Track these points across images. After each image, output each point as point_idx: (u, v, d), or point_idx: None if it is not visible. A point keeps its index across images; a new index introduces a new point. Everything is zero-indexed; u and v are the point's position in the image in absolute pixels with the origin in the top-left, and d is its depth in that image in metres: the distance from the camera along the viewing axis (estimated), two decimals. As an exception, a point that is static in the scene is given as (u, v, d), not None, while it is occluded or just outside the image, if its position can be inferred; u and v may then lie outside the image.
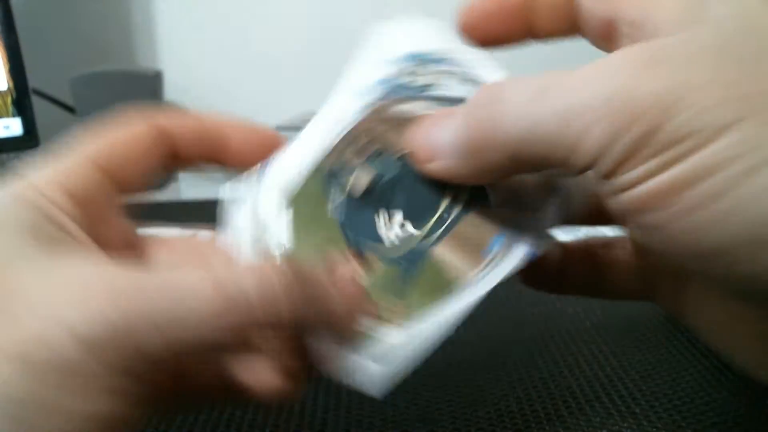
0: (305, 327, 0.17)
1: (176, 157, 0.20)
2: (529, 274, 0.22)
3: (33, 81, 0.65)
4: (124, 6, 0.83)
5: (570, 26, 0.20)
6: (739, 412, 0.27)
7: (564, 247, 0.23)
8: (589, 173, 0.15)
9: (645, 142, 0.13)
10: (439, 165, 0.18)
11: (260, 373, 0.17)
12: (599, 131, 0.14)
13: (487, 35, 0.20)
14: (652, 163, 0.13)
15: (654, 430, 0.26)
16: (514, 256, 0.19)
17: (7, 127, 0.64)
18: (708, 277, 0.15)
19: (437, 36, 0.22)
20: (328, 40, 0.83)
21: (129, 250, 0.19)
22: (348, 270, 0.19)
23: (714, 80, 0.13)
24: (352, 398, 0.28)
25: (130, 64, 0.82)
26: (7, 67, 0.63)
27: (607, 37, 0.19)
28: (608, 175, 0.14)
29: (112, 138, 0.20)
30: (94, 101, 0.70)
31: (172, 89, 0.82)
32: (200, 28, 0.83)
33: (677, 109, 0.13)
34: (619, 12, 0.18)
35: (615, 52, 0.15)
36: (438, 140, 0.18)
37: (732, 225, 0.13)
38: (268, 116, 0.72)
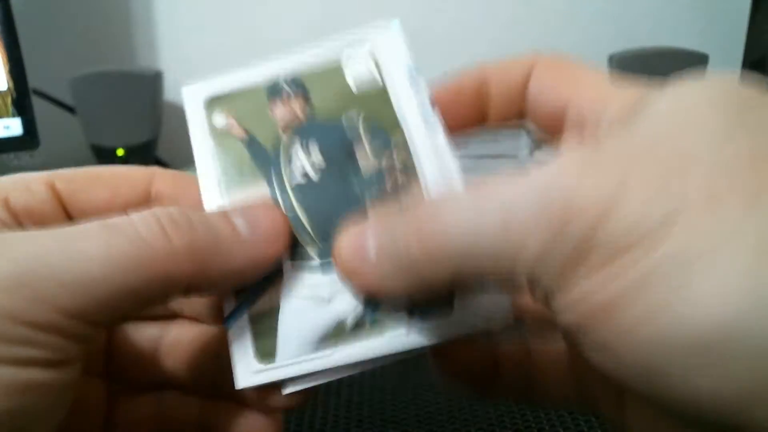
0: (205, 277, 0.16)
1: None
2: (450, 366, 0.19)
3: (33, 81, 0.65)
4: (124, 6, 0.83)
5: (519, 113, 0.20)
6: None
7: (496, 343, 0.21)
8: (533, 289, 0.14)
9: (582, 251, 0.12)
10: (368, 281, 0.16)
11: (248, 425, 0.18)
12: (537, 235, 0.13)
13: (446, 121, 0.20)
14: (592, 280, 0.12)
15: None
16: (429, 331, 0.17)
17: (7, 127, 0.64)
18: (652, 399, 0.13)
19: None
20: (328, 40, 0.83)
21: None
22: (265, 210, 0.18)
23: (648, 176, 0.12)
24: (352, 398, 0.28)
25: (130, 64, 0.82)
26: (7, 67, 0.63)
27: (553, 126, 0.19)
28: (552, 289, 0.13)
29: (84, 172, 0.19)
30: (94, 101, 0.70)
31: (172, 89, 0.82)
32: (200, 28, 0.83)
33: (611, 211, 0.12)
34: (570, 105, 0.18)
35: (555, 158, 0.14)
36: (368, 251, 0.16)
37: (668, 343, 0.12)
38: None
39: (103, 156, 0.73)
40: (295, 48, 0.21)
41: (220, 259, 0.16)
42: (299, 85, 0.21)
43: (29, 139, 0.65)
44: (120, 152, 0.72)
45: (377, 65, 0.21)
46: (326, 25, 0.83)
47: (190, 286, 0.16)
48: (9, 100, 0.63)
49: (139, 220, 0.15)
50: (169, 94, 0.82)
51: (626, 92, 0.17)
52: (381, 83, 0.20)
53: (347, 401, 0.28)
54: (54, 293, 0.13)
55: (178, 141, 0.86)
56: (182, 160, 0.82)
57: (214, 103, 0.21)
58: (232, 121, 0.20)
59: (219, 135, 0.20)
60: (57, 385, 0.14)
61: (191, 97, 0.21)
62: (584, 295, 0.13)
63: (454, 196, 0.15)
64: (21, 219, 0.17)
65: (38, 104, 0.67)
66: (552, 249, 0.13)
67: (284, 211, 0.19)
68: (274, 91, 0.21)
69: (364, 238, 0.16)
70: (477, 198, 0.14)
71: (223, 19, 0.83)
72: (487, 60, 0.20)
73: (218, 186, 0.19)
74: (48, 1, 0.81)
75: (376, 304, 0.18)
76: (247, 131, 0.20)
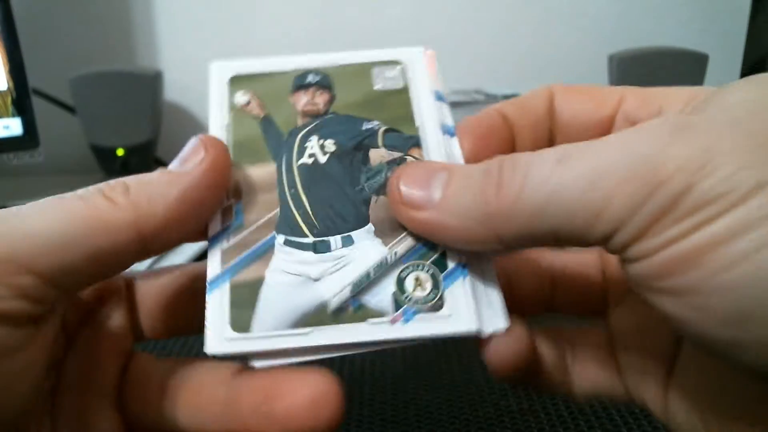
0: (150, 222, 0.17)
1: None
2: (500, 361, 0.19)
3: (33, 81, 0.65)
4: (124, 6, 0.83)
5: (548, 144, 0.21)
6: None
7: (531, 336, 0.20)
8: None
9: (672, 206, 0.13)
10: (431, 216, 0.17)
11: None
12: (624, 195, 0.14)
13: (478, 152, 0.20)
14: (681, 226, 0.13)
15: (654, 430, 0.26)
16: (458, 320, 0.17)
17: (7, 127, 0.64)
18: (736, 348, 0.13)
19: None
20: (328, 40, 0.83)
21: None
22: (195, 141, 0.18)
23: (739, 146, 0.13)
24: (353, 398, 0.28)
25: (130, 64, 0.82)
26: (7, 67, 0.63)
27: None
28: (632, 240, 0.14)
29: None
30: (94, 101, 0.70)
31: (172, 89, 0.82)
32: (200, 28, 0.83)
33: (704, 173, 0.13)
34: (616, 116, 0.19)
35: (638, 127, 0.15)
36: (437, 191, 0.17)
37: (763, 282, 0.12)
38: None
39: (103, 156, 0.73)
40: (327, 52, 0.22)
41: (162, 200, 0.17)
42: (327, 81, 0.22)
43: (29, 139, 0.65)
44: (120, 152, 0.72)
45: (406, 81, 0.22)
46: (326, 26, 0.83)
47: (143, 236, 0.17)
48: (9, 100, 0.63)
49: (82, 191, 0.17)
50: (169, 94, 0.82)
51: (678, 92, 0.18)
52: (407, 98, 0.21)
53: (347, 401, 0.28)
54: (3, 247, 0.15)
55: (178, 141, 0.85)
56: (182, 160, 0.82)
57: (238, 81, 0.22)
58: (253, 101, 0.21)
59: (237, 111, 0.21)
60: (9, 341, 0.15)
61: (217, 72, 0.23)
62: (672, 241, 0.13)
63: (539, 155, 0.15)
64: None
65: (38, 104, 0.67)
66: (640, 207, 0.14)
67: (286, 188, 0.19)
68: (301, 80, 0.22)
69: (433, 174, 0.17)
70: (562, 158, 0.15)
71: (223, 19, 0.83)
72: (499, 103, 0.21)
73: None
74: (48, 1, 0.81)
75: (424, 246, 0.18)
76: (265, 111, 0.21)
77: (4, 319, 0.14)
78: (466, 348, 0.32)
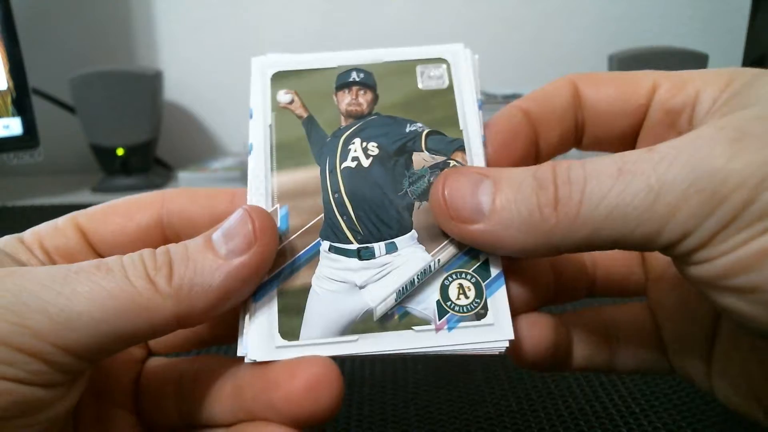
0: (191, 308, 0.16)
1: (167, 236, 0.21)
2: (520, 355, 0.20)
3: (33, 81, 0.65)
4: (124, 6, 0.83)
5: (575, 137, 0.21)
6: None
7: (562, 319, 0.21)
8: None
9: (736, 216, 0.14)
10: (483, 229, 0.17)
11: None
12: (691, 208, 0.14)
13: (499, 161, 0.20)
14: (746, 233, 0.14)
15: (654, 430, 0.26)
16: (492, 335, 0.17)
17: (7, 127, 0.64)
18: None
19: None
20: (328, 40, 0.83)
21: None
22: (242, 218, 0.17)
23: None
24: (353, 398, 0.28)
25: (130, 64, 0.82)
26: (7, 67, 0.63)
27: (623, 136, 0.20)
28: (697, 248, 0.15)
29: (103, 207, 0.21)
30: (94, 101, 0.70)
31: (172, 89, 0.82)
32: (200, 28, 0.83)
33: (765, 186, 0.14)
34: (656, 102, 0.19)
35: (694, 130, 0.15)
36: (486, 203, 0.17)
37: None
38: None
39: (103, 155, 0.73)
40: (370, 49, 0.22)
41: (199, 287, 0.16)
42: (371, 80, 0.21)
43: (29, 139, 0.65)
44: (120, 152, 0.72)
45: (450, 81, 0.21)
46: (327, 25, 0.83)
47: (180, 321, 0.16)
48: (9, 100, 0.63)
49: (128, 261, 0.16)
50: (169, 94, 0.82)
51: (715, 76, 0.18)
52: (452, 99, 0.21)
53: (347, 401, 0.28)
54: (40, 323, 0.15)
55: (178, 141, 0.86)
56: (182, 159, 0.82)
57: (281, 78, 0.21)
58: (296, 100, 0.21)
59: (280, 111, 0.21)
60: (38, 401, 0.15)
61: (259, 68, 0.22)
62: (737, 246, 0.14)
63: (595, 167, 0.16)
64: (53, 258, 0.19)
65: (38, 104, 0.67)
66: (706, 219, 0.14)
67: (330, 193, 0.19)
68: (345, 78, 0.21)
69: (479, 183, 0.17)
70: (621, 171, 0.15)
71: (223, 19, 0.83)
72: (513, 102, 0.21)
73: (266, 162, 0.20)
74: (48, 1, 0.81)
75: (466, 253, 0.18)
76: (308, 111, 0.21)
77: (34, 385, 0.15)
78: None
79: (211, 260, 0.16)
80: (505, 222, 0.16)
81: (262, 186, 0.19)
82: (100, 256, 0.19)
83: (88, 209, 0.20)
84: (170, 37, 0.84)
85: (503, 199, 0.17)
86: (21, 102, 0.64)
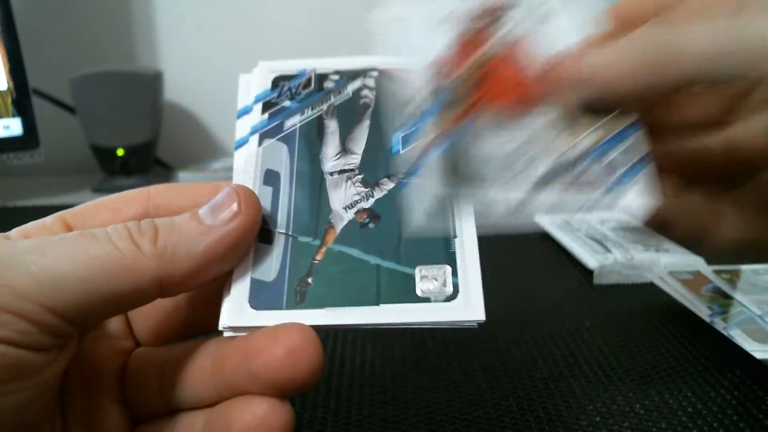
0: (174, 272, 0.17)
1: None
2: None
3: (33, 81, 0.65)
4: (124, 6, 0.83)
5: None
6: (739, 412, 0.27)
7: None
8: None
9: None
10: (601, 62, 0.19)
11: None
12: None
13: None
14: None
15: (654, 429, 0.26)
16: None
17: (7, 127, 0.64)
18: None
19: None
20: (328, 40, 0.83)
21: None
22: (228, 191, 0.18)
23: None
24: (353, 398, 0.28)
25: (130, 64, 0.82)
26: (7, 67, 0.63)
27: None
28: None
29: (91, 203, 0.21)
30: (94, 101, 0.70)
31: (172, 89, 0.82)
32: (200, 28, 0.83)
33: None
34: None
35: None
36: (602, 51, 0.19)
37: None
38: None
39: (103, 156, 0.73)
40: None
41: (184, 251, 0.17)
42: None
43: (29, 139, 0.65)
44: (120, 152, 0.72)
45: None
46: (327, 25, 0.83)
47: (164, 285, 0.17)
48: (9, 100, 0.63)
49: (112, 229, 0.17)
50: (169, 94, 0.82)
51: None
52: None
53: (347, 401, 0.28)
54: (24, 283, 0.15)
55: (178, 141, 0.86)
56: (182, 160, 0.82)
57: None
58: None
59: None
60: (27, 363, 0.15)
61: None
62: None
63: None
64: None
65: (38, 104, 0.67)
66: None
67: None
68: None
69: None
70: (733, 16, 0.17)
71: (223, 19, 0.83)
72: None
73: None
74: (48, 1, 0.81)
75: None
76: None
77: (23, 347, 0.15)
78: (466, 348, 0.33)
79: (195, 227, 0.17)
80: (614, 56, 0.19)
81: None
82: None
83: (76, 207, 0.21)
84: (170, 37, 0.84)
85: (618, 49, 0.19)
86: (21, 102, 0.64)
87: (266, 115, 0.22)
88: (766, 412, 0.27)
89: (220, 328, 0.18)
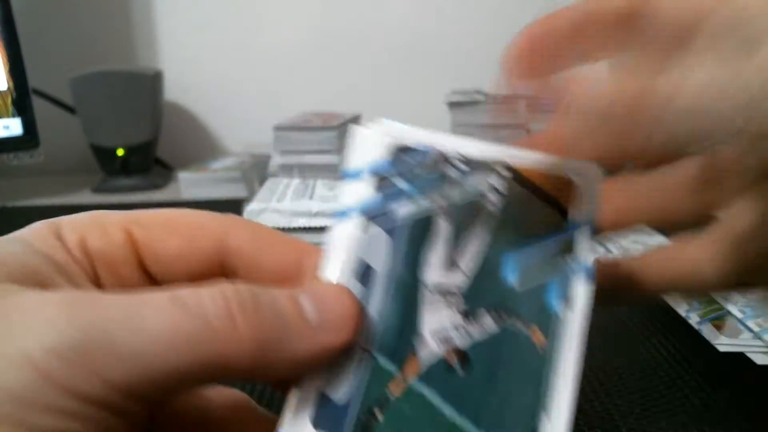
0: (267, 365, 0.15)
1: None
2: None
3: (33, 81, 0.65)
4: (124, 6, 0.83)
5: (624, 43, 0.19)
6: (740, 411, 0.27)
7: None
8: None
9: None
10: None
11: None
12: None
13: (538, 68, 0.19)
14: None
15: (654, 429, 0.26)
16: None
17: (7, 127, 0.64)
18: None
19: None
20: (328, 40, 0.83)
21: None
22: (336, 294, 0.16)
23: None
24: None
25: (130, 64, 0.82)
26: (7, 67, 0.63)
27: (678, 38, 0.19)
28: None
29: (160, 216, 0.19)
30: (94, 101, 0.70)
31: (172, 89, 0.82)
32: (200, 28, 0.83)
33: None
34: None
35: None
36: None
37: None
38: (267, 116, 0.72)
39: (103, 156, 0.73)
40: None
41: (284, 347, 0.15)
42: None
43: (29, 139, 0.65)
44: (120, 152, 0.72)
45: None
46: (326, 25, 0.83)
47: (249, 372, 0.15)
48: (9, 100, 0.63)
49: (208, 297, 0.14)
50: (169, 94, 0.82)
51: None
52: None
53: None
54: (110, 367, 0.13)
55: (178, 141, 0.86)
56: (182, 160, 0.82)
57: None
58: None
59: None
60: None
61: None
62: None
63: (688, 71, 0.15)
64: (95, 262, 0.17)
65: (38, 104, 0.67)
66: None
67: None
68: None
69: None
70: (718, 72, 0.14)
71: (223, 19, 0.83)
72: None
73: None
74: (48, 1, 0.81)
75: None
76: None
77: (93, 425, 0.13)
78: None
79: (301, 325, 0.15)
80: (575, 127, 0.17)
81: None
82: (150, 275, 0.18)
83: (142, 216, 0.18)
84: (170, 36, 0.84)
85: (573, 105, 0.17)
86: (21, 102, 0.64)
87: (379, 194, 0.18)
88: (705, 401, 0.27)
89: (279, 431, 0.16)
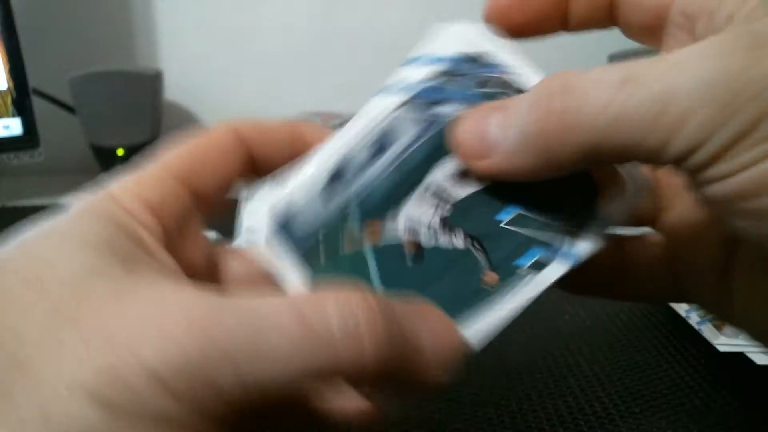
0: (391, 375, 0.14)
1: (254, 164, 0.20)
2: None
3: (33, 81, 0.65)
4: (124, 6, 0.83)
5: (606, 16, 0.19)
6: (740, 412, 0.27)
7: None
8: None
9: (752, 129, 0.13)
10: (494, 163, 0.16)
11: (345, 401, 0.16)
12: (701, 117, 0.13)
13: (517, 25, 0.19)
14: (762, 148, 0.13)
15: (654, 429, 0.26)
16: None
17: (7, 127, 0.64)
18: None
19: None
20: (328, 39, 0.83)
21: (205, 263, 0.18)
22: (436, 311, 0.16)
23: None
24: (352, 398, 0.28)
25: (130, 64, 0.82)
26: (7, 67, 0.63)
27: (651, 30, 0.18)
28: (709, 161, 0.14)
29: (190, 147, 0.19)
30: (94, 101, 0.70)
31: (172, 89, 0.82)
32: (200, 28, 0.83)
33: None
34: (676, 3, 0.17)
35: (708, 38, 0.14)
36: (494, 135, 0.16)
37: None
38: (267, 116, 0.71)
39: (103, 156, 0.73)
40: None
41: (405, 378, 0.14)
42: None
43: (29, 139, 0.65)
44: (120, 152, 0.72)
45: None
46: (326, 24, 0.83)
47: (367, 386, 0.15)
48: (9, 100, 0.63)
49: (336, 313, 0.13)
50: (169, 94, 0.82)
51: None
52: None
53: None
54: (232, 386, 0.12)
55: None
56: (182, 160, 0.82)
57: None
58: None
59: None
60: None
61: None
62: (752, 163, 0.13)
63: (599, 78, 0.15)
64: (161, 217, 0.16)
65: (38, 104, 0.67)
66: (718, 129, 0.13)
67: None
68: None
69: (485, 118, 0.16)
70: (627, 81, 0.14)
71: (223, 19, 0.83)
72: None
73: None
74: (48, 1, 0.81)
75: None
76: None
77: None
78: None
79: (420, 360, 0.15)
80: (506, 149, 0.16)
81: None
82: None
83: (175, 156, 0.18)
84: (170, 36, 0.84)
85: (502, 126, 0.16)
86: (21, 102, 0.64)
87: (440, 80, 0.19)
88: (703, 398, 0.27)
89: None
